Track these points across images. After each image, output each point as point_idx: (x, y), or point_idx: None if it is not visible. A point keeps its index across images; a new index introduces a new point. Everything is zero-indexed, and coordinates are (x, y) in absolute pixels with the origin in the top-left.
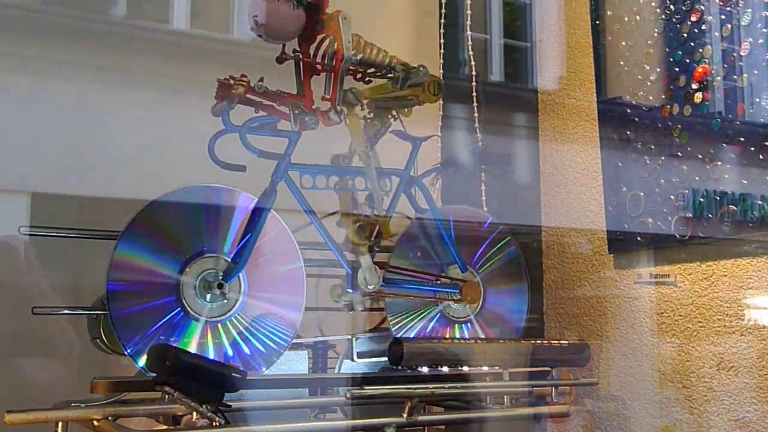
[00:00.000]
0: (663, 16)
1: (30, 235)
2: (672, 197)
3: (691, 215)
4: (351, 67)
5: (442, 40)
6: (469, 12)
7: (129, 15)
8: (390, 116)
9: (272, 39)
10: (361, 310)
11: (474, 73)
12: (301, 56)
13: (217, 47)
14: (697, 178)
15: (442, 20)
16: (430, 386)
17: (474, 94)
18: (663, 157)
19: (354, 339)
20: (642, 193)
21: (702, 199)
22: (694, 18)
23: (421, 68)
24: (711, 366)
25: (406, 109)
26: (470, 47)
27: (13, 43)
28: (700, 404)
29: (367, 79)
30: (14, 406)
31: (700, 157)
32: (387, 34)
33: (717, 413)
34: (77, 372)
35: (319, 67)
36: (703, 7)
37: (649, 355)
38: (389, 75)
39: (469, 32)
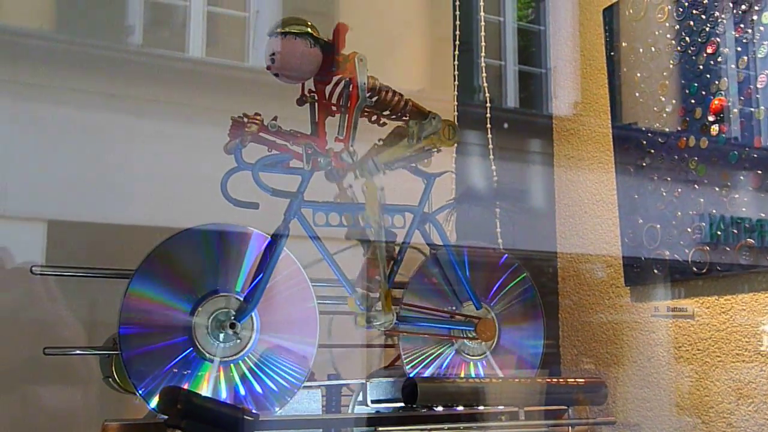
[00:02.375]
0: (678, 48)
1: (42, 274)
2: (689, 229)
3: (708, 248)
4: (366, 109)
5: (456, 62)
6: (483, 38)
7: (145, 43)
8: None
9: (288, 78)
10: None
11: (488, 103)
12: (317, 97)
13: (232, 75)
14: (714, 211)
15: (457, 42)
16: (444, 426)
17: (488, 126)
18: (680, 189)
19: (368, 383)
20: (659, 225)
21: (719, 232)
22: (710, 50)
23: (433, 117)
24: (730, 401)
25: (426, 161)
26: (484, 75)
27: (29, 72)
28: None
29: (381, 121)
30: None
31: (717, 189)
32: (402, 60)
33: None
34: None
35: (334, 108)
36: (719, 40)
37: (667, 389)
38: (404, 118)
39: (483, 57)
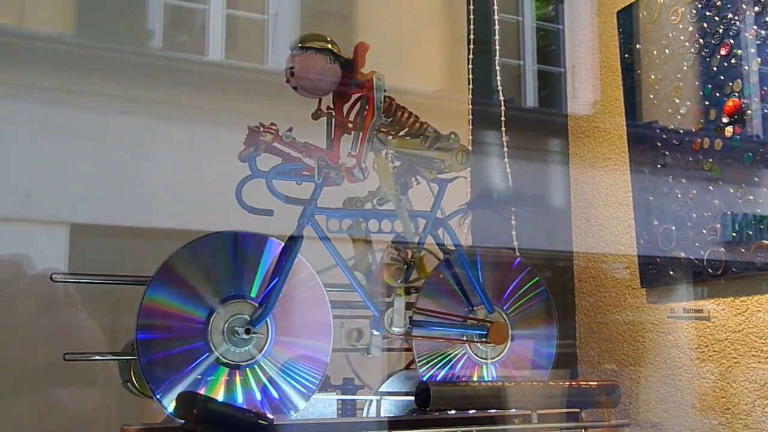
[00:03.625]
0: (693, 50)
1: (63, 281)
2: (704, 231)
3: (723, 249)
4: (382, 129)
5: (470, 66)
6: (497, 38)
7: (165, 47)
8: (414, 179)
9: (307, 93)
10: (378, 354)
11: (503, 105)
12: (334, 113)
13: (252, 77)
14: (729, 212)
15: (471, 46)
16: (458, 429)
17: (503, 128)
18: (694, 191)
19: (380, 399)
20: (674, 227)
21: (734, 234)
22: (723, 51)
23: (453, 135)
24: (746, 402)
25: (429, 171)
26: (499, 78)
27: (51, 77)
28: None
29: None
30: None
31: (732, 190)
32: (421, 61)
33: None
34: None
35: (350, 125)
36: (732, 41)
37: (683, 390)
38: (418, 137)
39: (497, 58)
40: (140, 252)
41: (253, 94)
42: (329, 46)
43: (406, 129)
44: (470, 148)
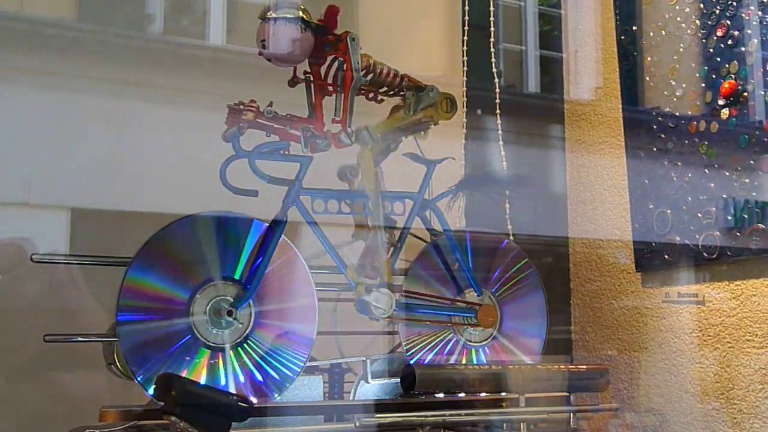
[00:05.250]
0: (689, 31)
1: (41, 262)
2: (699, 215)
3: (718, 233)
4: (362, 88)
5: (464, 48)
6: (493, 21)
7: (166, 31)
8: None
9: (280, 62)
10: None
11: (497, 88)
12: (312, 78)
13: (252, 62)
14: (724, 196)
15: (465, 28)
16: (444, 413)
17: (498, 111)
18: (690, 174)
19: (369, 361)
20: (669, 211)
21: (730, 217)
22: (720, 33)
23: (431, 89)
24: (741, 387)
25: (422, 133)
26: (494, 59)
27: (51, 61)
28: (730, 426)
29: (379, 98)
30: None
31: (728, 173)
32: (423, 46)
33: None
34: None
35: (330, 88)
36: (729, 22)
37: (678, 375)
38: (401, 94)
39: (492, 41)
40: (142, 236)
41: (255, 78)
42: (300, 13)
43: (387, 85)
44: (464, 131)
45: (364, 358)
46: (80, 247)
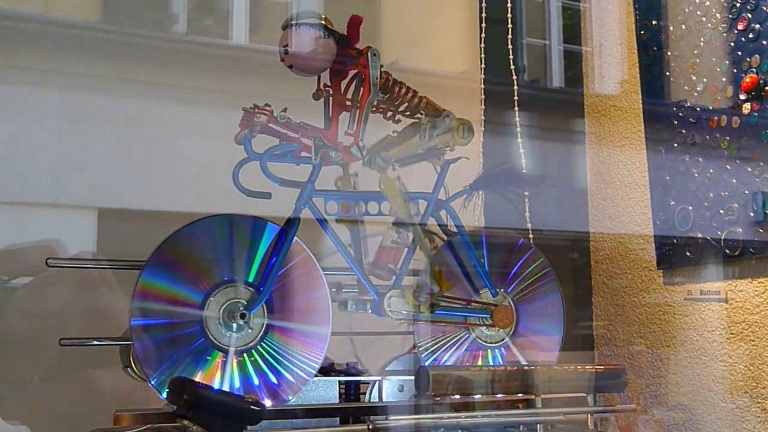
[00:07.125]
0: (709, 25)
1: (56, 266)
2: (721, 211)
3: (741, 230)
4: (381, 105)
5: (482, 45)
6: (510, 17)
7: (189, 31)
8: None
9: (302, 70)
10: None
11: (515, 84)
12: (331, 91)
13: (276, 61)
14: (746, 192)
15: (483, 25)
16: (459, 415)
17: (516, 108)
18: (711, 170)
19: (384, 380)
20: (690, 207)
21: (752, 213)
22: (740, 26)
23: (447, 114)
24: (765, 386)
25: (437, 159)
26: (511, 57)
27: (77, 63)
28: (756, 424)
29: (396, 118)
30: None
31: (750, 169)
32: (446, 42)
33: None
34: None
35: (348, 103)
36: (750, 15)
37: (700, 373)
38: (418, 115)
39: (509, 36)
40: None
41: (279, 76)
42: (321, 21)
43: (405, 104)
44: (483, 128)
45: (377, 378)
46: (107, 248)
